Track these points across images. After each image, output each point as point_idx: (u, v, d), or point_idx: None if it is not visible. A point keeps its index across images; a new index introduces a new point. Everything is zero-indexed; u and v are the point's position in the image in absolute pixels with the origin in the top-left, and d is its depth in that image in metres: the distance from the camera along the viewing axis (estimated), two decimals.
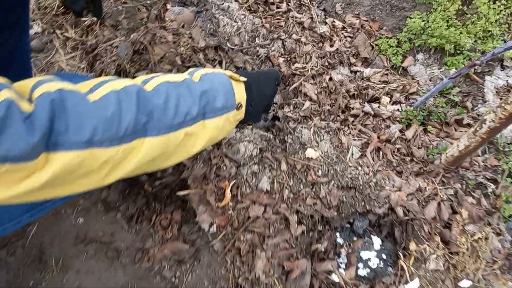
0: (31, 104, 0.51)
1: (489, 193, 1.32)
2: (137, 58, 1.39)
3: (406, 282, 1.10)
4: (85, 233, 1.38)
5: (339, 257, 1.25)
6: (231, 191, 1.22)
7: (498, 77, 1.54)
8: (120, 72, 1.39)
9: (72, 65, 1.64)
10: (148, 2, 1.58)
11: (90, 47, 1.51)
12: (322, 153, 1.25)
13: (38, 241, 1.36)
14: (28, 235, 1.36)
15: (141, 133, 0.61)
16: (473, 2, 1.58)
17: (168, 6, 1.59)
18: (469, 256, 1.15)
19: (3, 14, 0.88)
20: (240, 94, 0.76)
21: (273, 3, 1.70)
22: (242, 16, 1.55)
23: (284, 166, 1.23)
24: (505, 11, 1.57)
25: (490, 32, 1.56)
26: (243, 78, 0.77)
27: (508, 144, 1.42)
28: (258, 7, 1.66)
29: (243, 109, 0.78)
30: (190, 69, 0.76)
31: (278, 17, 1.66)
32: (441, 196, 1.24)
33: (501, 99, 1.52)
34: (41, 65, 1.69)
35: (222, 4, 1.55)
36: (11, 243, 1.35)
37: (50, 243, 1.36)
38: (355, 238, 1.29)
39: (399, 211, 1.19)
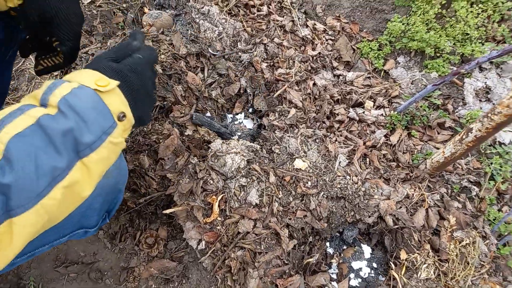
0: None
1: (474, 196, 1.34)
2: None
3: None
4: (65, 254, 1.32)
5: (330, 268, 1.24)
6: (219, 205, 1.18)
7: (477, 79, 1.56)
8: None
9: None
10: (124, 5, 1.50)
11: None
12: (310, 163, 1.23)
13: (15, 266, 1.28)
14: None
15: (4, 216, 0.52)
16: (452, 5, 1.59)
17: (146, 10, 1.52)
18: (458, 263, 1.16)
19: None
20: (118, 103, 0.63)
21: (253, 6, 1.65)
22: (223, 21, 1.50)
23: (272, 178, 1.20)
24: (482, 15, 1.59)
25: (468, 35, 1.58)
26: (114, 82, 0.62)
27: (489, 146, 1.45)
28: (239, 11, 1.61)
29: (129, 115, 0.64)
30: (44, 87, 0.59)
31: (259, 21, 1.62)
32: (428, 202, 1.25)
33: (480, 101, 1.54)
34: (12, 73, 1.58)
35: (202, 8, 1.49)
36: None
37: (27, 267, 1.29)
38: (345, 247, 1.29)
39: (389, 220, 1.19)
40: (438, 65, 1.55)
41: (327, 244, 1.28)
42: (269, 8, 1.68)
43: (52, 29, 0.76)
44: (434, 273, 1.13)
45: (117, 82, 0.62)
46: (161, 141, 1.20)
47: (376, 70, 1.64)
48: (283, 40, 1.61)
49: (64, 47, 0.77)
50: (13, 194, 0.52)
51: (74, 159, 0.57)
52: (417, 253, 1.14)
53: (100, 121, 0.59)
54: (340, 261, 1.24)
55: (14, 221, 0.52)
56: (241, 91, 1.44)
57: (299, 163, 1.23)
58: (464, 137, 1.09)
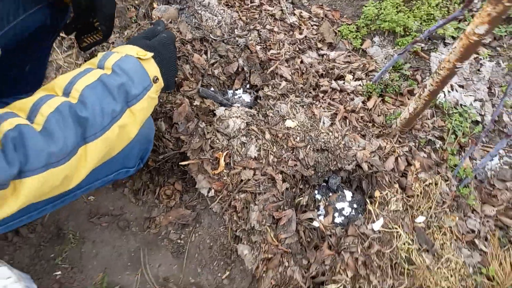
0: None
1: (438, 148, 1.59)
2: None
3: (373, 221, 1.36)
4: (97, 209, 1.57)
5: (318, 210, 1.49)
6: (224, 160, 1.44)
7: (442, 53, 1.81)
8: None
9: (69, 62, 1.80)
10: (136, 1, 1.76)
11: None
12: (299, 123, 1.49)
13: (55, 219, 1.54)
14: (45, 214, 1.53)
15: (81, 142, 0.73)
16: None
17: (154, 5, 1.78)
18: (422, 198, 1.42)
19: (36, 43, 1.05)
20: (153, 69, 0.85)
21: None
22: (222, 11, 1.76)
23: (268, 136, 1.46)
24: None
25: (432, 15, 1.83)
26: (150, 53, 0.84)
27: (452, 107, 1.70)
28: (235, 2, 1.87)
29: (160, 79, 0.86)
30: (99, 56, 0.81)
31: (253, 11, 1.88)
32: (398, 152, 1.50)
33: None
34: None
35: (203, 1, 1.75)
36: (30, 222, 1.52)
37: (66, 220, 1.54)
38: (330, 194, 1.54)
39: (365, 166, 1.44)
40: (408, 42, 1.80)
41: (315, 191, 1.53)
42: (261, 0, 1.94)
43: (95, 13, 1.02)
44: (402, 206, 1.39)
45: (151, 54, 0.84)
46: (174, 109, 1.46)
47: (355, 49, 1.90)
48: (273, 26, 1.87)
49: (104, 26, 1.03)
50: (88, 126, 0.73)
51: (125, 106, 0.79)
52: (388, 191, 1.40)
53: (142, 81, 0.81)
54: (326, 203, 1.49)
55: (88, 146, 0.74)
56: (239, 70, 1.69)
57: (289, 123, 1.48)
58: (421, 93, 1.35)
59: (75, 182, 0.77)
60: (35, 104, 0.71)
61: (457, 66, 1.17)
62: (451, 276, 1.30)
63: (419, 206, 1.40)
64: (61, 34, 1.84)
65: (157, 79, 0.85)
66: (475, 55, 1.83)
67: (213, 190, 1.44)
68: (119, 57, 0.80)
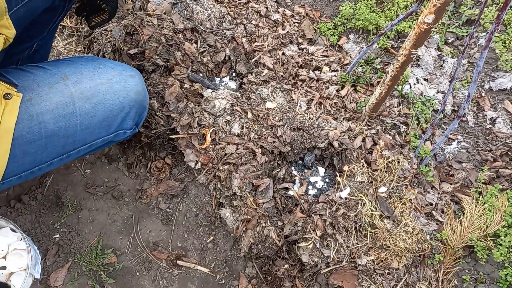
0: None
1: (402, 132, 1.78)
2: (129, 38, 1.74)
3: (341, 190, 1.53)
4: (93, 181, 1.72)
5: (294, 184, 1.66)
6: (210, 136, 1.60)
7: None
8: (115, 51, 1.73)
9: (69, 49, 1.96)
10: None
11: (87, 32, 1.85)
12: (278, 104, 1.66)
13: (54, 189, 1.69)
14: (45, 184, 1.69)
15: None
16: None
17: None
18: (385, 172, 1.60)
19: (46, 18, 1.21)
20: None
21: None
22: (211, 6, 1.94)
23: (250, 115, 1.63)
24: None
25: (401, 15, 2.04)
26: None
27: (416, 98, 1.90)
28: None
29: None
30: None
31: (240, 7, 2.06)
32: (366, 133, 1.69)
33: (412, 66, 2.00)
34: None
35: None
36: (31, 190, 1.67)
37: (64, 189, 1.68)
38: (305, 170, 1.71)
39: (335, 144, 1.62)
40: (379, 39, 2.00)
41: (292, 168, 1.70)
42: None
43: None
44: (367, 179, 1.57)
45: None
46: (166, 89, 1.62)
47: (332, 44, 2.09)
48: (259, 22, 2.05)
49: (109, 7, 1.20)
50: None
51: None
52: (355, 165, 1.58)
53: None
54: (302, 178, 1.66)
55: None
56: (226, 59, 1.87)
57: (269, 104, 1.66)
58: (385, 79, 1.54)
59: None
60: None
61: (412, 52, 1.36)
62: (409, 238, 1.48)
63: (382, 179, 1.58)
64: (62, 24, 2.00)
65: None
66: (439, 52, 2.04)
67: (199, 163, 1.60)
68: None
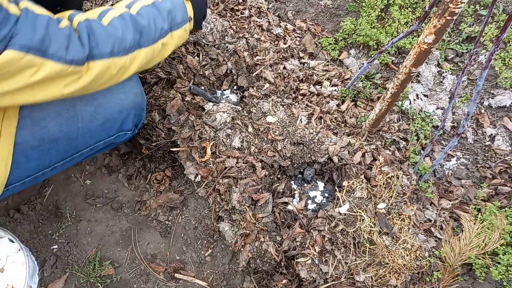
0: (72, 26, 0.91)
1: (401, 148, 1.79)
2: None
3: (340, 206, 1.53)
4: (92, 191, 1.72)
5: (293, 198, 1.66)
6: (211, 149, 1.61)
7: None
8: None
9: None
10: None
11: None
12: (278, 119, 1.67)
13: (53, 199, 1.69)
14: (44, 194, 1.69)
15: (138, 46, 1.02)
16: (389, 9, 2.08)
17: None
18: (384, 188, 1.60)
19: None
20: (190, 9, 1.19)
21: (238, 10, 2.12)
22: (214, 20, 1.96)
23: (250, 129, 1.64)
24: (411, 16, 2.08)
25: (402, 31, 2.06)
26: None
27: (416, 114, 1.91)
28: (226, 13, 2.07)
29: (192, 20, 1.23)
30: None
31: (242, 21, 2.08)
32: (365, 149, 1.70)
33: (412, 82, 2.01)
34: None
35: None
36: (30, 200, 1.67)
37: (63, 200, 1.69)
38: (305, 184, 1.71)
39: (335, 159, 1.63)
40: (380, 54, 2.02)
41: (292, 182, 1.70)
42: (250, 12, 2.15)
43: None
44: (367, 195, 1.57)
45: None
46: (167, 102, 1.63)
47: (333, 59, 2.11)
48: (260, 36, 2.08)
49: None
50: (144, 35, 1.02)
51: (169, 29, 1.11)
52: (354, 180, 1.58)
53: (183, 14, 1.15)
54: (301, 192, 1.67)
55: (142, 50, 1.04)
56: (228, 72, 1.88)
57: (270, 119, 1.67)
58: (385, 96, 1.55)
59: (125, 77, 1.06)
60: (103, 11, 0.99)
61: (412, 71, 1.37)
62: (407, 255, 1.47)
63: (381, 195, 1.58)
64: None
65: (191, 19, 1.21)
66: (438, 69, 2.06)
67: (199, 176, 1.60)
68: None
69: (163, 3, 1.09)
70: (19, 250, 1.46)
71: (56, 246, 1.59)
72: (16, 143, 1.01)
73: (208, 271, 1.61)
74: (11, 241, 1.48)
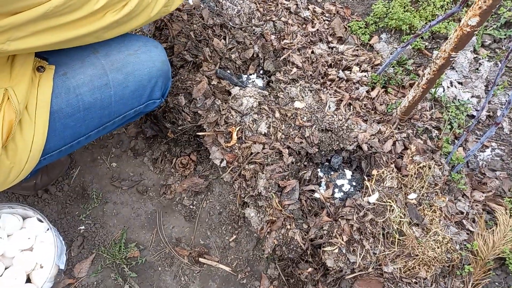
0: None
1: (434, 137, 1.72)
2: (159, 33, 1.73)
3: (369, 195, 1.49)
4: (118, 174, 1.73)
5: (320, 186, 1.63)
6: (237, 134, 1.58)
7: None
8: None
9: None
10: None
11: None
12: (306, 104, 1.63)
13: (80, 181, 1.70)
14: (72, 176, 1.70)
15: None
16: None
17: None
18: (415, 178, 1.55)
19: None
20: None
21: None
22: (241, 1, 1.91)
23: (277, 115, 1.60)
24: None
25: (436, 15, 1.96)
26: None
27: (450, 102, 1.83)
28: None
29: None
30: None
31: (270, 3, 2.02)
32: (396, 137, 1.64)
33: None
34: None
35: None
36: (58, 181, 1.68)
37: (90, 182, 1.70)
38: (332, 172, 1.67)
39: (365, 147, 1.58)
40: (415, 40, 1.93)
41: (318, 169, 1.67)
42: None
43: None
44: (397, 184, 1.52)
45: None
46: (194, 85, 1.61)
47: (363, 44, 2.04)
48: (288, 19, 2.02)
49: None
50: None
51: None
52: (384, 169, 1.53)
53: None
54: (328, 180, 1.63)
55: None
56: (254, 56, 1.84)
57: (298, 104, 1.62)
58: (420, 81, 1.48)
59: (155, 10, 1.11)
60: None
61: (452, 55, 1.30)
62: (438, 248, 1.43)
63: (412, 185, 1.53)
64: None
65: None
66: (475, 55, 1.96)
67: (225, 161, 1.58)
68: None
69: None
70: (48, 229, 1.49)
71: (83, 227, 1.61)
72: (52, 111, 1.04)
73: (232, 257, 1.60)
74: (40, 221, 1.50)
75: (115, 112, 1.20)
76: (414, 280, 1.41)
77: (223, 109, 1.61)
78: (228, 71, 1.78)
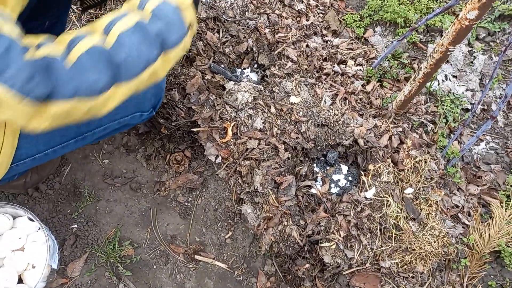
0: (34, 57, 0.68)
1: (429, 130, 1.72)
2: None
3: (366, 190, 1.48)
4: (111, 171, 1.69)
5: (316, 181, 1.61)
6: (232, 130, 1.56)
7: None
8: None
9: None
10: None
11: None
12: (302, 99, 1.61)
13: (72, 178, 1.66)
14: (63, 173, 1.66)
15: (113, 83, 0.77)
16: None
17: None
18: (412, 173, 1.54)
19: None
20: (190, 15, 0.85)
21: None
22: None
23: (273, 110, 1.58)
24: None
25: (431, 8, 1.95)
26: (189, 1, 0.86)
27: (445, 95, 1.82)
28: None
29: (195, 25, 0.89)
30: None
31: None
32: (392, 131, 1.63)
33: None
34: None
35: None
36: (49, 179, 1.64)
37: (82, 179, 1.66)
38: (328, 167, 1.66)
39: (361, 141, 1.57)
40: (411, 33, 1.92)
41: (314, 164, 1.65)
42: None
43: None
44: (393, 179, 1.51)
45: (191, 1, 0.87)
46: (187, 80, 1.58)
47: (358, 37, 2.02)
48: (282, 12, 1.99)
49: None
50: (121, 71, 0.77)
51: (160, 53, 0.82)
52: (381, 164, 1.52)
53: (179, 29, 0.83)
54: (324, 175, 1.62)
55: (120, 87, 0.79)
56: (248, 50, 1.81)
57: (293, 99, 1.60)
58: (416, 75, 1.47)
59: (101, 114, 0.83)
60: (72, 40, 0.74)
61: (449, 49, 1.29)
62: (434, 242, 1.43)
63: (409, 180, 1.52)
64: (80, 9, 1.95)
65: (191, 26, 0.87)
66: (469, 48, 1.95)
67: (220, 157, 1.56)
68: (161, 1, 0.82)
69: (152, 22, 0.80)
70: (39, 229, 1.45)
71: (76, 226, 1.57)
72: None
73: (228, 254, 1.58)
74: (31, 220, 1.46)
75: (96, 122, 1.11)
76: (411, 275, 1.41)
77: (217, 104, 1.59)
78: (222, 65, 1.75)
